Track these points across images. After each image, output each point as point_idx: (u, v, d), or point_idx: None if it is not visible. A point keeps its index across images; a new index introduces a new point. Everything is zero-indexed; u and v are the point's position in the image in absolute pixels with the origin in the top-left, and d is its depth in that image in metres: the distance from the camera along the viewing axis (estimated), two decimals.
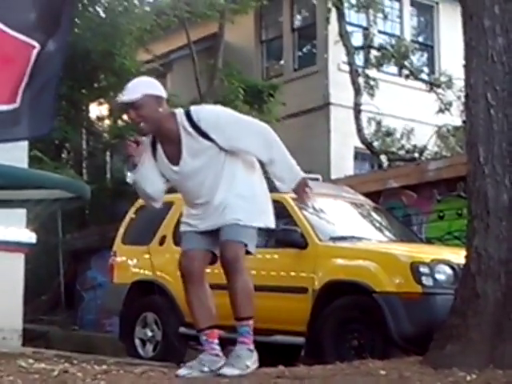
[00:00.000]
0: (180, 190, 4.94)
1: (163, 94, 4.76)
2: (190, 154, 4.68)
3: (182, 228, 4.91)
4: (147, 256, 8.70)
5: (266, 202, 4.84)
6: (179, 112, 4.73)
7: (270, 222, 4.85)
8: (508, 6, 4.91)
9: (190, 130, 4.65)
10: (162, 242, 8.62)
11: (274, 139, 4.74)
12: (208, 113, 4.76)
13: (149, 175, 4.77)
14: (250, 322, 4.71)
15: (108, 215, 14.60)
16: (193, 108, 4.78)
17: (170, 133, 4.70)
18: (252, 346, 4.68)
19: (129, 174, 4.77)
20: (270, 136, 4.74)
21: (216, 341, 4.76)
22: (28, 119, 5.36)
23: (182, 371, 4.62)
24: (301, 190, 4.76)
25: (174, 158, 4.72)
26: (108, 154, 17.86)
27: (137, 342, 8.49)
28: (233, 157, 4.74)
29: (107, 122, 17.30)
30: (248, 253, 4.76)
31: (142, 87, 4.70)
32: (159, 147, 4.78)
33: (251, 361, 4.63)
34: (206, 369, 4.62)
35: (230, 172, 4.71)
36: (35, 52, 5.28)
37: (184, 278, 4.79)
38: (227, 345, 8.08)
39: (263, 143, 4.71)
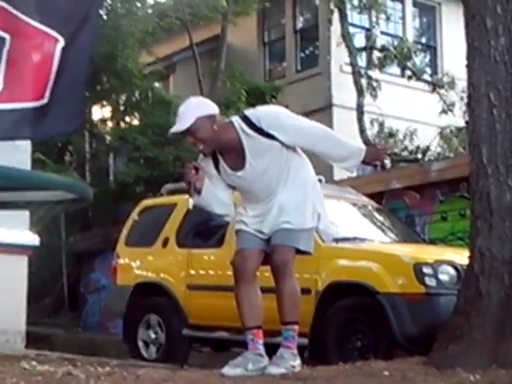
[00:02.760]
0: (246, 193, 4.92)
1: (215, 110, 4.77)
2: (254, 155, 4.71)
3: (237, 226, 4.91)
4: (150, 258, 8.70)
5: (317, 201, 4.88)
6: (236, 119, 4.78)
7: (321, 220, 4.87)
8: (511, 5, 4.89)
9: (251, 132, 4.69)
10: (165, 243, 8.61)
11: (326, 128, 4.87)
12: (266, 112, 4.83)
13: (216, 195, 4.81)
14: (296, 326, 4.76)
15: (111, 217, 14.61)
16: (248, 112, 4.84)
17: (230, 142, 4.73)
18: (296, 351, 4.73)
19: (191, 200, 4.80)
20: (322, 127, 4.85)
21: (261, 341, 4.77)
22: (57, 115, 5.28)
23: (226, 370, 4.63)
24: (372, 159, 4.84)
25: (238, 164, 4.75)
26: (111, 156, 17.87)
27: (140, 343, 8.48)
28: (291, 154, 4.80)
29: (110, 124, 17.32)
30: (306, 253, 4.84)
31: (193, 111, 4.70)
32: (220, 158, 4.80)
33: (296, 363, 4.68)
34: (250, 366, 4.63)
35: (291, 170, 4.78)
36: (59, 46, 5.22)
37: (236, 275, 4.81)
38: (232, 347, 8.11)
39: (321, 134, 4.80)
